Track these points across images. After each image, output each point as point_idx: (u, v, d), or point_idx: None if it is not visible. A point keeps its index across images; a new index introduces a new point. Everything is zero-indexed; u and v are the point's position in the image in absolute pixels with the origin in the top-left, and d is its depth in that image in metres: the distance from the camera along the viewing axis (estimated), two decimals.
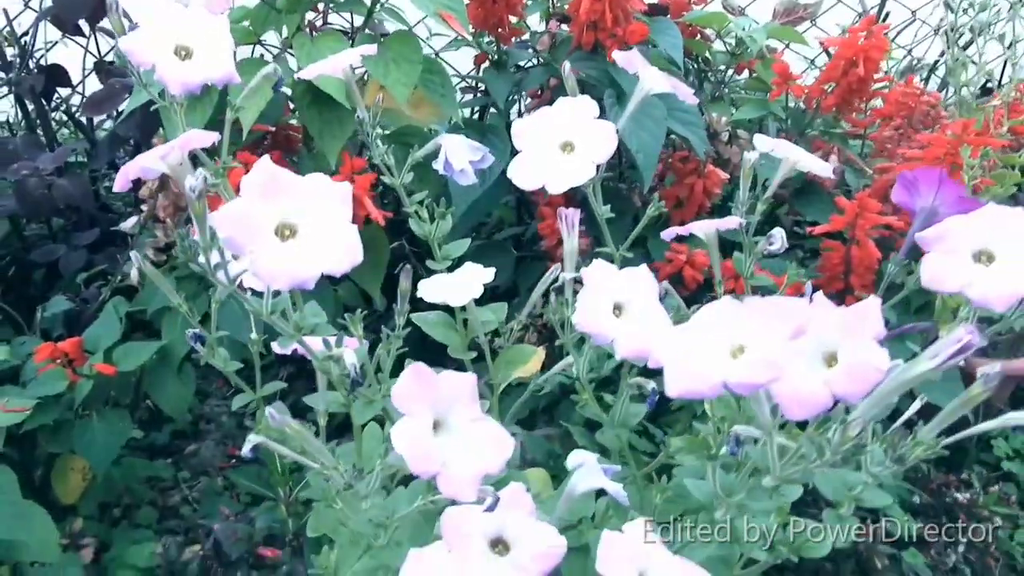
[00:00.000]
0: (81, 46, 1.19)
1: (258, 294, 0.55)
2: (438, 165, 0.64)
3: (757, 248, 0.64)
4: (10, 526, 0.71)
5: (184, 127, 0.57)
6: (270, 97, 0.82)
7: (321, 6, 0.92)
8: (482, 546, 0.41)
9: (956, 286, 0.46)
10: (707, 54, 1.26)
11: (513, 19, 1.01)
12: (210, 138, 0.47)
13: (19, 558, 0.75)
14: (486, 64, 1.04)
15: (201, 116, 0.83)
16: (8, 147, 1.03)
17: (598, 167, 0.57)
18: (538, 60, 1.04)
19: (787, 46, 1.40)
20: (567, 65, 0.64)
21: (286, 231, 0.42)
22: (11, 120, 1.24)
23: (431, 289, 0.63)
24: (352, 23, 0.97)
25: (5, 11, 1.11)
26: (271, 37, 0.96)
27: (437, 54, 1.13)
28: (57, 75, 1.14)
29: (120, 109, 0.98)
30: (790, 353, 0.38)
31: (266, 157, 0.42)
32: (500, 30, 1.01)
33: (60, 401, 0.87)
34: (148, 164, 0.45)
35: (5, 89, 1.14)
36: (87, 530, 0.97)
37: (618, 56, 0.65)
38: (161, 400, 0.91)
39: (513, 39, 1.03)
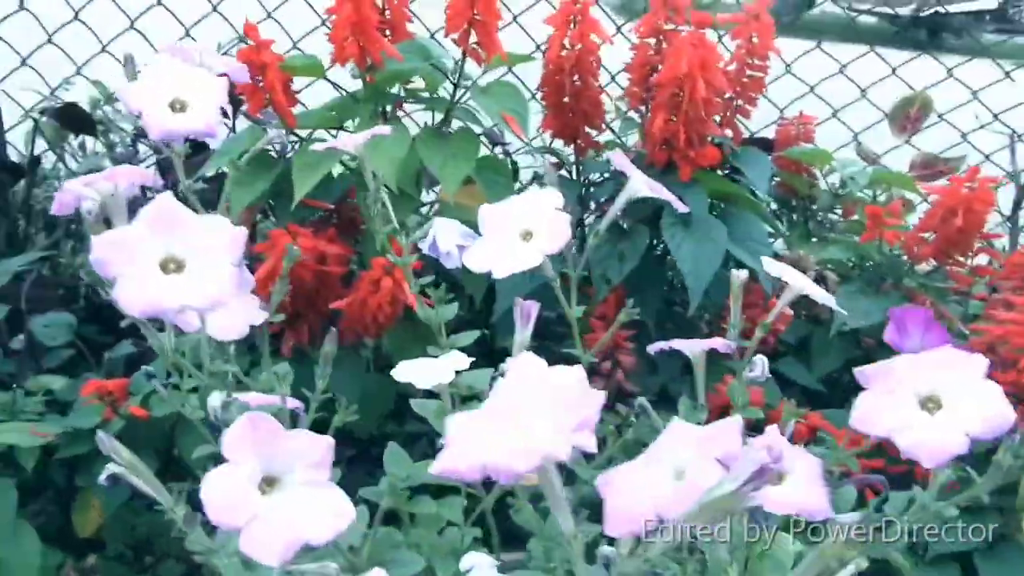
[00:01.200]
0: None
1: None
2: (424, 245, 0.64)
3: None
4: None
5: (182, 175, 0.60)
6: (325, 173, 0.86)
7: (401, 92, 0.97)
8: None
9: (884, 431, 0.40)
10: (810, 192, 1.21)
11: (591, 131, 1.02)
12: (144, 176, 0.49)
13: None
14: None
15: (263, 183, 0.88)
16: None
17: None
18: (610, 173, 1.03)
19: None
20: (549, 159, 0.63)
21: (171, 264, 0.42)
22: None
23: (403, 370, 0.63)
24: (432, 118, 1.00)
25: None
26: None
27: (508, 154, 1.15)
28: None
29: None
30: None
31: (167, 194, 0.43)
32: (577, 141, 1.02)
33: (93, 435, 0.91)
34: (76, 191, 0.47)
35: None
36: (104, 570, 0.99)
37: (612, 156, 0.64)
38: (184, 449, 0.94)
39: (589, 151, 1.03)
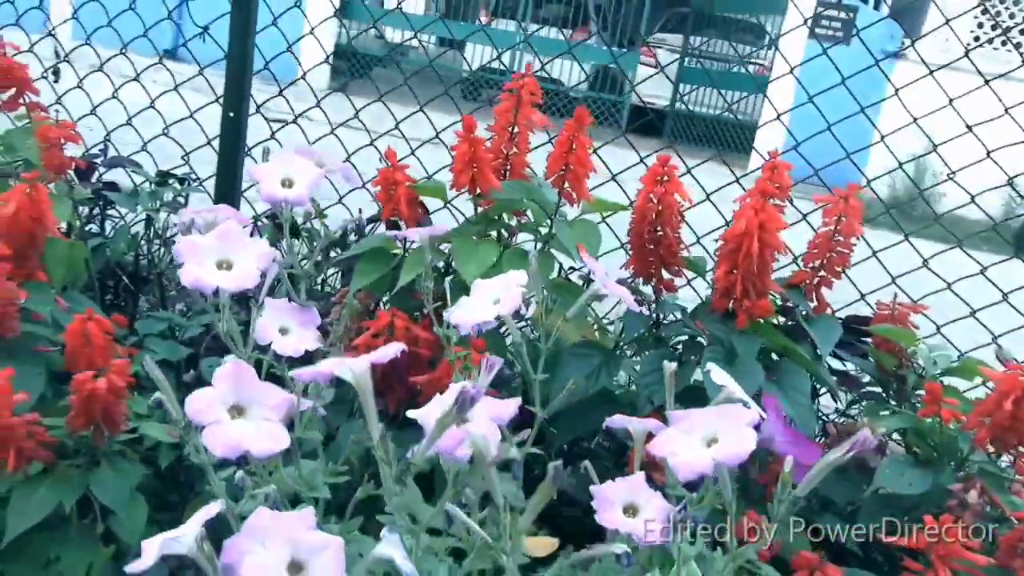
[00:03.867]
0: None
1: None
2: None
3: None
4: (119, 500, 0.96)
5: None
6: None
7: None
8: None
9: (665, 453, 0.51)
10: (898, 370, 1.25)
11: (667, 275, 1.16)
12: (240, 217, 0.72)
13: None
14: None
15: (377, 272, 1.10)
16: None
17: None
18: (680, 314, 1.16)
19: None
20: (530, 269, 0.78)
21: (224, 264, 0.64)
22: None
23: None
24: (535, 245, 1.19)
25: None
26: None
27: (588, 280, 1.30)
28: None
29: None
30: None
31: (232, 220, 0.65)
32: (655, 280, 1.16)
33: None
34: (191, 214, 0.71)
35: None
36: None
37: (584, 257, 0.78)
38: None
39: (666, 291, 1.17)
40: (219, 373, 0.58)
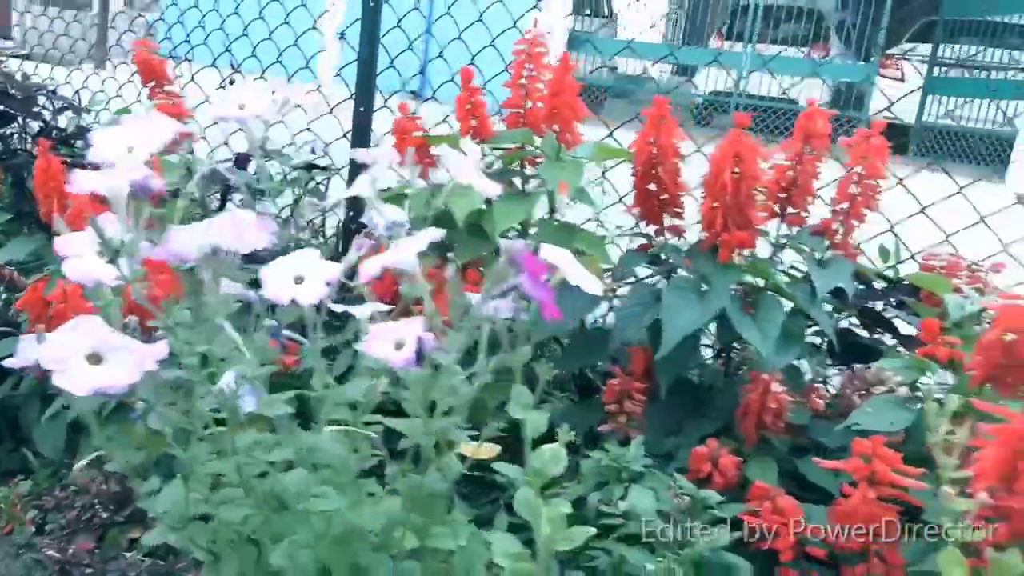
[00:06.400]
0: None
1: None
2: None
3: None
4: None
5: None
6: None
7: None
8: None
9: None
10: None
11: (668, 219, 1.18)
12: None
13: None
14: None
15: None
16: None
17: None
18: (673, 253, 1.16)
19: None
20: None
21: None
22: None
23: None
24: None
25: None
26: None
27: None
28: None
29: None
30: None
31: None
32: (658, 222, 1.18)
33: None
34: None
35: None
36: None
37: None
38: None
39: (670, 234, 1.18)
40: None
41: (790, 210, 1.18)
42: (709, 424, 1.08)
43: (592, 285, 0.75)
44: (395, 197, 1.26)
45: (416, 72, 2.19)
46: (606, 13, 10.02)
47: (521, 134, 1.19)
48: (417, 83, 2.50)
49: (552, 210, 1.23)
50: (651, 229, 1.20)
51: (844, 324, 1.22)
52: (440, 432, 0.85)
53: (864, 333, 1.22)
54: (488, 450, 0.98)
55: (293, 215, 1.96)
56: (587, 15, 9.72)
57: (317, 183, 1.87)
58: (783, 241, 1.18)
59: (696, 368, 1.17)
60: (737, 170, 1.05)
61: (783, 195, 1.18)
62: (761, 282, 1.10)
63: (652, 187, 1.17)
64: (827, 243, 1.16)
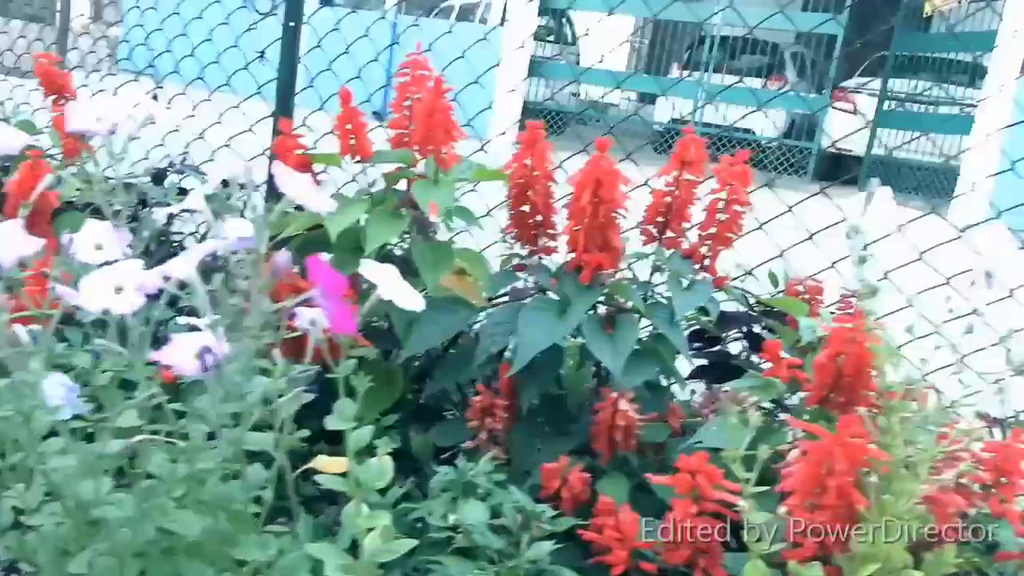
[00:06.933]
0: None
1: None
2: None
3: None
4: None
5: None
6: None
7: None
8: None
9: None
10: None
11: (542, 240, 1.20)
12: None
13: None
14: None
15: None
16: None
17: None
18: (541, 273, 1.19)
19: None
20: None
21: None
22: None
23: None
24: None
25: None
26: None
27: None
28: None
29: None
30: None
31: None
32: (531, 243, 1.21)
33: None
34: None
35: None
36: None
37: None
38: None
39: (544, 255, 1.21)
40: None
41: (669, 234, 1.22)
42: (571, 441, 1.10)
43: (413, 302, 0.77)
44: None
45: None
46: (568, 40, 10.15)
47: (402, 154, 1.21)
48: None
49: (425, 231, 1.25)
50: (526, 250, 1.23)
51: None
52: (287, 444, 0.87)
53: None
54: (340, 464, 0.99)
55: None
56: (549, 41, 9.83)
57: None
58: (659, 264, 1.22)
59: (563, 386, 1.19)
60: (597, 194, 1.08)
61: (661, 220, 1.22)
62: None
63: (526, 208, 1.20)
64: (695, 266, 1.19)
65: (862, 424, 0.82)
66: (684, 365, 1.19)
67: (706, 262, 1.21)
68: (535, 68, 8.15)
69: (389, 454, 1.00)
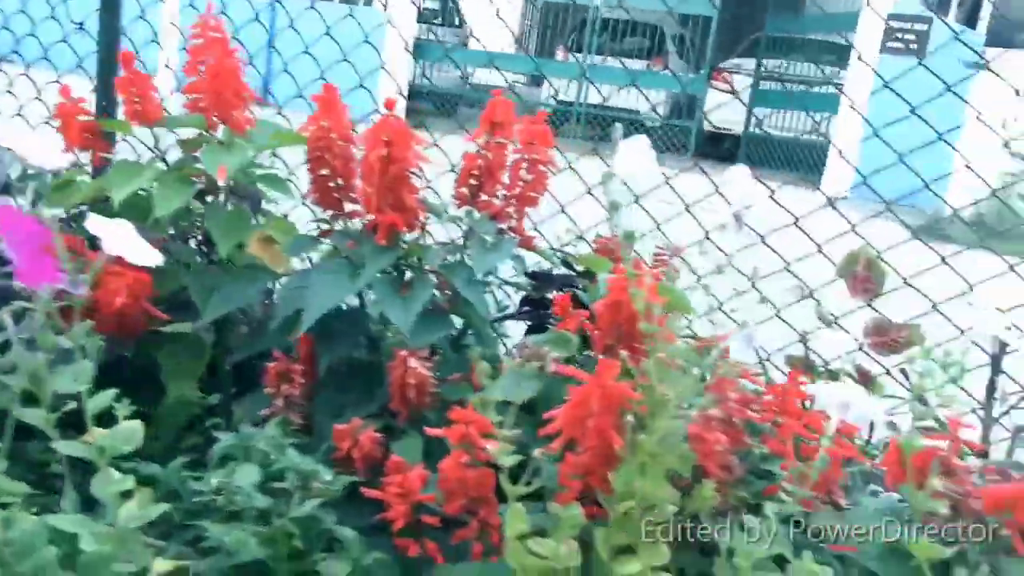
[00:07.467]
0: None
1: None
2: None
3: None
4: None
5: None
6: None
7: None
8: None
9: None
10: None
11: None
12: None
13: None
14: None
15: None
16: None
17: None
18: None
19: None
20: None
21: None
22: None
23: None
24: None
25: None
26: None
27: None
28: None
29: None
30: None
31: None
32: (336, 211, 1.19)
33: None
34: None
35: None
36: None
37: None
38: None
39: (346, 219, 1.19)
40: None
41: (483, 197, 1.22)
42: (373, 404, 1.09)
43: (146, 257, 0.74)
44: (63, 184, 1.22)
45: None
46: (456, 23, 10.11)
47: (194, 119, 1.17)
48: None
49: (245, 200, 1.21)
50: (329, 214, 1.20)
51: None
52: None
53: None
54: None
55: None
56: (437, 24, 9.76)
57: None
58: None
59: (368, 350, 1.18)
60: (389, 153, 1.07)
61: (474, 183, 1.21)
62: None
63: (325, 172, 1.17)
64: (501, 227, 1.20)
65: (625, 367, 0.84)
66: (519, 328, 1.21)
67: (512, 222, 1.21)
68: (420, 51, 8.07)
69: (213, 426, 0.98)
